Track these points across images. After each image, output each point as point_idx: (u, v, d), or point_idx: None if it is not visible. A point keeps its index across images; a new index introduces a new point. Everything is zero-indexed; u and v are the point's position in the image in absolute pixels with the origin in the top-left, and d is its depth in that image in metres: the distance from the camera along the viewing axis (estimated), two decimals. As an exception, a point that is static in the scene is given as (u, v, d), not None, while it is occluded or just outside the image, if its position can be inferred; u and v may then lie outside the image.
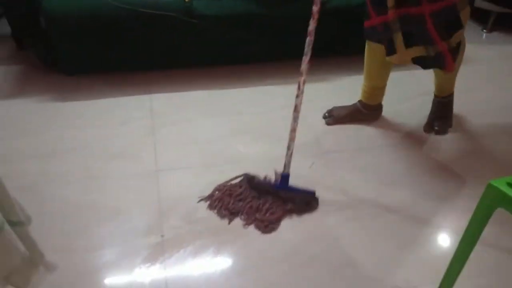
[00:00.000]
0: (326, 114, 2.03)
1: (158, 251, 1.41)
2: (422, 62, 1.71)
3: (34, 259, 0.83)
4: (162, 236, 1.46)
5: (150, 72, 2.21)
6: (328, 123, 2.00)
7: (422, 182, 1.71)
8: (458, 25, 1.63)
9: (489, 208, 1.03)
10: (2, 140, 1.81)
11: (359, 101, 2.00)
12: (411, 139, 1.93)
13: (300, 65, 1.42)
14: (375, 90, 1.95)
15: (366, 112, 2.00)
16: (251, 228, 1.50)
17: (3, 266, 0.71)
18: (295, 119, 1.49)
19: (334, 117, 2.01)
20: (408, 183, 1.70)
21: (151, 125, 1.92)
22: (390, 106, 2.06)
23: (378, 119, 2.04)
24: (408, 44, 1.64)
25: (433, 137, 1.93)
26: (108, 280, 1.33)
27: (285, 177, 1.56)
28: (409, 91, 2.23)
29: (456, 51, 1.70)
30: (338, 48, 2.33)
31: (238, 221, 1.53)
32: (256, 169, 1.67)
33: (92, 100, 2.06)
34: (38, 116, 1.95)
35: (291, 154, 1.52)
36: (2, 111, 1.97)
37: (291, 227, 1.52)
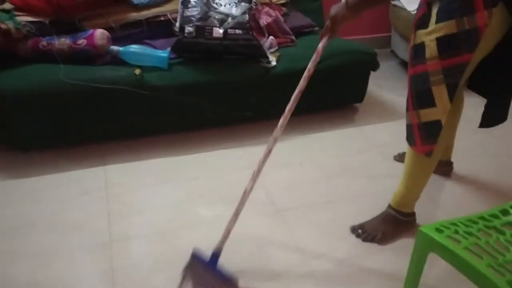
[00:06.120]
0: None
1: (111, 325, 1.38)
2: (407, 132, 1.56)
3: None
4: (115, 307, 1.44)
5: (104, 144, 2.24)
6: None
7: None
8: (428, 101, 1.40)
9: (422, 252, 1.08)
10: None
11: None
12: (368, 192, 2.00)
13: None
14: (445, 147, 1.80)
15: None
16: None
17: None
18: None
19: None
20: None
21: (105, 196, 1.93)
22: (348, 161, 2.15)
23: (450, 175, 2.04)
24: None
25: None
26: None
27: (215, 255, 1.46)
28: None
29: (427, 133, 1.46)
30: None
31: None
32: (212, 234, 1.69)
33: (46, 175, 2.04)
34: (-10, 195, 1.93)
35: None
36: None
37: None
